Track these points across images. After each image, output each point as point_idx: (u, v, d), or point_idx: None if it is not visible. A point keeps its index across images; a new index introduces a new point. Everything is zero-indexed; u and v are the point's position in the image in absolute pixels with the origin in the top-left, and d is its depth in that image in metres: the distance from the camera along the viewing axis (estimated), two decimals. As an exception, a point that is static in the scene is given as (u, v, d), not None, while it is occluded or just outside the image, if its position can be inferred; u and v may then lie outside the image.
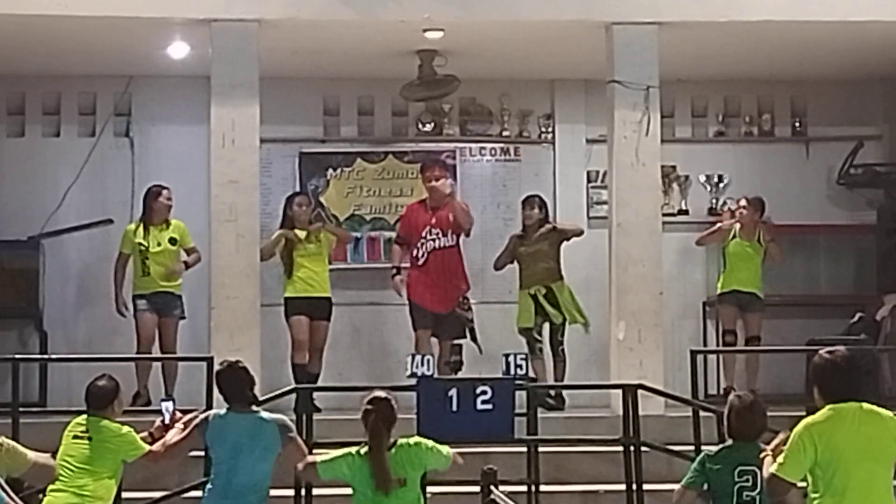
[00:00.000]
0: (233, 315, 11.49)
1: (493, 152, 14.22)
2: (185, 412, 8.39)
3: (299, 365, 12.36)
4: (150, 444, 8.26)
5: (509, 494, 8.34)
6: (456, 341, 12.38)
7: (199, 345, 12.37)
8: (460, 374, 11.89)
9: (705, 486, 7.24)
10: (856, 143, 14.13)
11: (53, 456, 7.74)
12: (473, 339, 12.56)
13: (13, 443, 6.68)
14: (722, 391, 12.39)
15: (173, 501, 9.82)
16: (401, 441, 7.44)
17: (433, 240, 12.49)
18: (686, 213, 14.16)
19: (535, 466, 9.99)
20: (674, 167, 14.01)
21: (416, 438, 7.58)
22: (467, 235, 12.69)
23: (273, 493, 7.93)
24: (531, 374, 11.01)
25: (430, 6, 11.72)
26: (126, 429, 8.30)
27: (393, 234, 13.37)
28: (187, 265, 12.49)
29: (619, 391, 10.47)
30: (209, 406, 9.53)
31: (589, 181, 14.09)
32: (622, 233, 11.84)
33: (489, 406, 9.39)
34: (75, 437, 8.26)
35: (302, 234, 12.53)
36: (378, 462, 7.29)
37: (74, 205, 13.66)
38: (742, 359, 12.74)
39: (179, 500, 9.79)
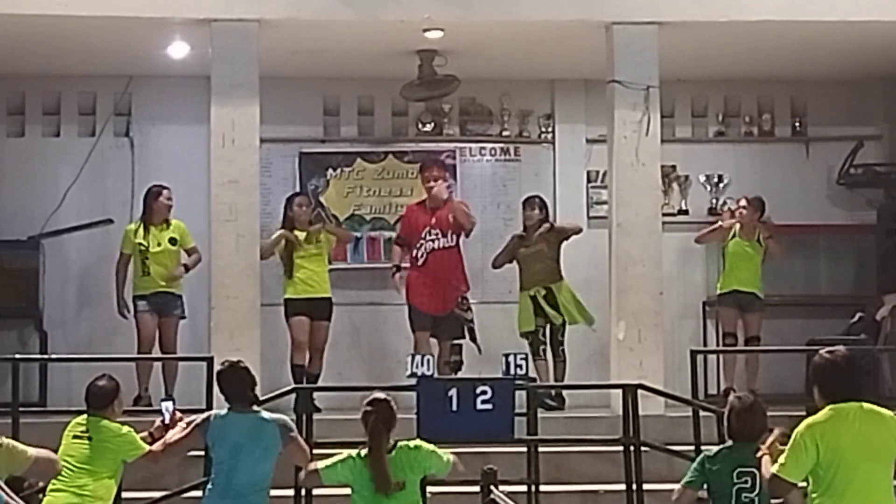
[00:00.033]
0: (233, 315, 11.49)
1: (493, 152, 14.21)
2: (185, 413, 8.40)
3: (298, 365, 12.36)
4: (150, 444, 8.26)
5: (509, 494, 8.34)
6: (456, 341, 12.38)
7: (199, 345, 12.37)
8: (460, 374, 11.90)
9: (705, 487, 7.24)
10: (856, 143, 14.14)
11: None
12: (473, 339, 12.56)
13: (13, 441, 6.67)
14: (722, 392, 12.38)
15: (173, 501, 9.82)
16: (401, 443, 7.44)
17: (432, 240, 12.48)
18: (686, 213, 14.16)
19: (535, 466, 9.99)
20: (674, 167, 14.01)
21: (417, 442, 7.58)
22: (467, 236, 12.69)
23: (273, 493, 7.93)
24: (532, 374, 11.02)
25: (430, 6, 11.72)
26: (126, 429, 8.30)
27: (393, 234, 13.38)
28: (187, 268, 12.47)
29: (619, 391, 10.48)
30: (209, 406, 9.53)
31: (589, 181, 14.09)
32: (622, 233, 11.84)
33: (489, 406, 9.39)
34: (75, 437, 8.26)
35: (302, 234, 12.53)
36: (378, 464, 7.29)
37: (74, 205, 13.65)
38: (742, 359, 12.74)
39: (179, 500, 9.79)
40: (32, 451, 6.64)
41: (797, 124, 14.36)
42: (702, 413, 10.13)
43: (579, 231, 12.87)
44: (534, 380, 11.30)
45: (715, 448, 7.47)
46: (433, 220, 12.50)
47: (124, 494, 9.17)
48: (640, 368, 11.50)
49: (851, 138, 14.17)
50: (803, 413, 6.73)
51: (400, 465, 7.34)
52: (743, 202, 12.86)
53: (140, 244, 12.37)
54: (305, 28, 11.96)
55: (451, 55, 12.68)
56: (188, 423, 8.07)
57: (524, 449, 10.01)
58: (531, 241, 12.67)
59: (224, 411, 7.84)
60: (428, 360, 9.59)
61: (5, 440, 6.55)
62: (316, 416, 10.09)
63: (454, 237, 12.53)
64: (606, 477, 10.38)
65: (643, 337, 11.68)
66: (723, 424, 7.61)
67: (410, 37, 12.22)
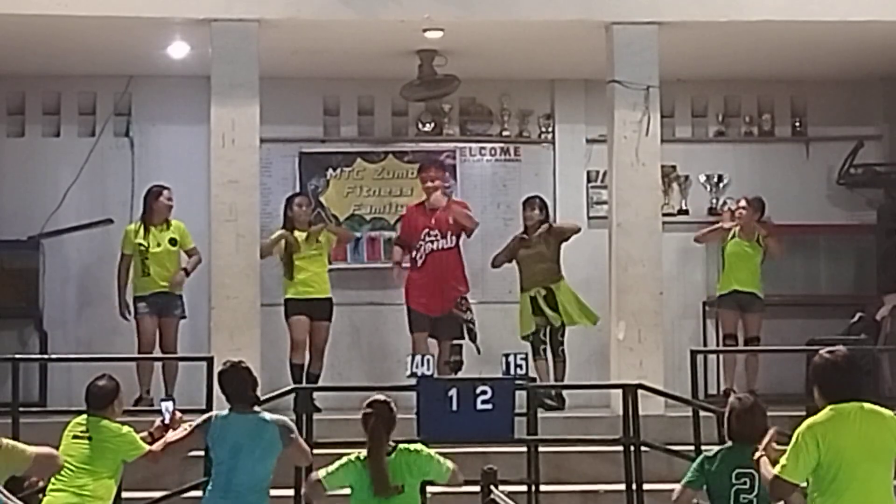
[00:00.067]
0: (233, 315, 11.49)
1: (493, 152, 14.21)
2: (185, 413, 8.40)
3: (297, 365, 12.36)
4: (150, 444, 8.26)
5: (509, 494, 8.35)
6: (455, 341, 12.38)
7: (199, 345, 12.37)
8: (460, 374, 11.90)
9: (704, 487, 7.24)
10: (856, 143, 14.13)
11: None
12: (472, 339, 12.55)
13: (12, 442, 6.66)
14: (722, 392, 12.38)
15: (173, 501, 9.82)
16: (401, 446, 7.43)
17: (431, 241, 12.48)
18: (686, 213, 14.15)
19: (535, 466, 9.99)
20: (674, 167, 14.01)
21: (418, 446, 7.57)
22: (469, 236, 12.69)
23: (273, 493, 7.93)
24: (532, 374, 11.02)
25: (430, 6, 11.72)
26: (126, 429, 8.30)
27: (393, 234, 13.39)
28: (188, 272, 12.46)
29: (619, 391, 10.48)
30: (209, 406, 9.53)
31: (589, 181, 14.09)
32: (622, 233, 11.84)
33: (489, 406, 9.39)
34: (75, 436, 8.25)
35: (302, 234, 12.52)
36: (377, 466, 7.28)
37: (74, 205, 13.65)
38: (742, 359, 12.74)
39: (179, 500, 9.79)
40: (32, 450, 6.63)
41: (797, 124, 14.35)
42: (702, 413, 10.13)
43: (578, 230, 12.87)
44: (534, 380, 11.30)
45: (715, 448, 7.47)
46: (432, 222, 12.50)
47: (124, 494, 9.17)
48: (640, 368, 11.50)
49: (851, 138, 14.17)
50: (803, 413, 6.73)
51: (399, 469, 7.33)
52: (743, 202, 12.85)
53: (140, 244, 12.36)
54: (305, 28, 11.96)
55: (451, 55, 12.68)
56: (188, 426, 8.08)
57: (524, 449, 10.02)
58: (531, 242, 12.67)
59: (225, 412, 7.84)
60: (428, 361, 9.59)
61: (4, 441, 6.54)
62: (316, 416, 10.09)
63: (453, 238, 12.52)
64: (606, 477, 10.38)
65: (643, 337, 11.68)
66: (723, 425, 7.61)
67: (410, 37, 12.22)
